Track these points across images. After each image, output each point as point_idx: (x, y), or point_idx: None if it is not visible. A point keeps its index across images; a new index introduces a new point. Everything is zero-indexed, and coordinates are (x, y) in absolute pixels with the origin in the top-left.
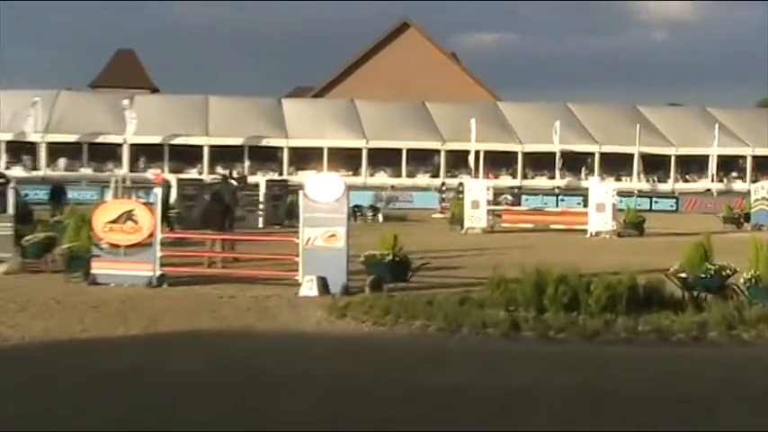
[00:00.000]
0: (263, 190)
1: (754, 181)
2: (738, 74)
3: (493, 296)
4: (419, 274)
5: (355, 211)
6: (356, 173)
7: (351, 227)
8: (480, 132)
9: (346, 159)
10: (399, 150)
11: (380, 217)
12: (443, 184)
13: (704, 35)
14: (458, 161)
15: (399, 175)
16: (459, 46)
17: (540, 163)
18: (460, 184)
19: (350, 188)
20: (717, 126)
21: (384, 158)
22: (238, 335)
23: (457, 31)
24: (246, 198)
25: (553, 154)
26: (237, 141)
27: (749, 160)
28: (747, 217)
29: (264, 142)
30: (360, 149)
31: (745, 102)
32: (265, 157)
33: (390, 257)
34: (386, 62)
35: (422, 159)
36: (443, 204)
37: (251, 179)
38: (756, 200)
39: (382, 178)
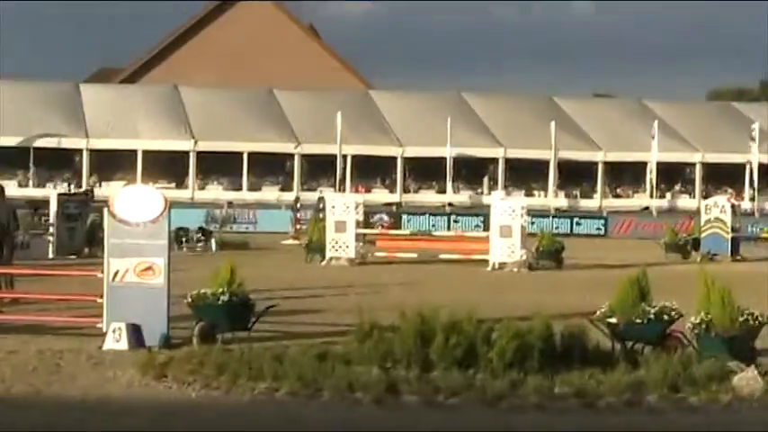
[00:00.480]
0: (53, 207)
1: (704, 196)
2: (686, 55)
3: (363, 349)
4: (265, 319)
5: (180, 236)
6: (181, 184)
7: (174, 257)
8: (347, 131)
9: (168, 166)
10: (239, 155)
11: (213, 244)
12: (298, 199)
13: (642, 4)
14: (318, 169)
15: (239, 188)
16: (320, 17)
17: (428, 172)
18: (321, 199)
19: (172, 205)
20: (656, 124)
21: (218, 165)
22: (19, 404)
23: None
24: (31, 218)
25: (444, 160)
26: (15, 141)
27: (698, 169)
28: (696, 243)
29: (56, 142)
30: (186, 153)
31: (694, 92)
32: (57, 162)
33: (226, 298)
34: (220, 37)
35: (269, 167)
36: (298, 227)
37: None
38: (708, 221)
39: (216, 191)
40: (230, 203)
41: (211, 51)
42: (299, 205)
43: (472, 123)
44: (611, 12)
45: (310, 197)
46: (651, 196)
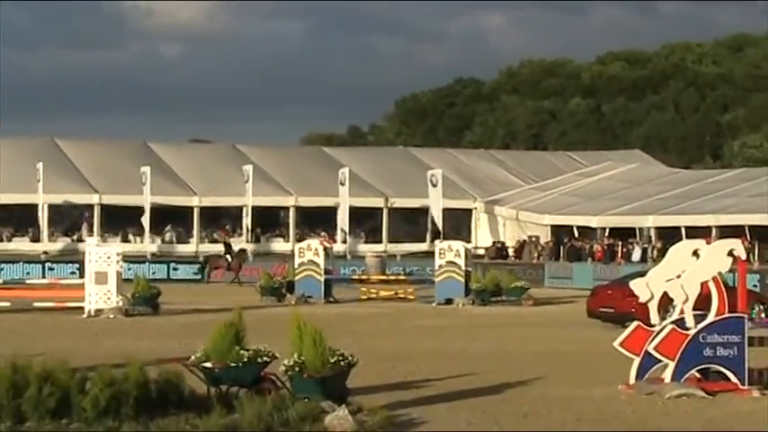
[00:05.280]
0: None
1: (298, 239)
2: (278, 102)
3: None
4: None
5: None
6: None
7: None
8: None
9: None
10: None
11: None
12: None
13: (229, 51)
14: None
15: None
16: None
17: (22, 219)
18: None
19: None
20: (251, 168)
21: None
22: None
23: None
24: None
25: (36, 207)
26: None
27: (292, 212)
28: (291, 286)
29: None
30: None
31: (287, 138)
32: None
33: None
34: None
35: None
36: None
37: None
38: (302, 264)
39: None
40: None
41: None
42: None
43: (66, 168)
44: (196, 58)
45: None
46: (247, 240)
